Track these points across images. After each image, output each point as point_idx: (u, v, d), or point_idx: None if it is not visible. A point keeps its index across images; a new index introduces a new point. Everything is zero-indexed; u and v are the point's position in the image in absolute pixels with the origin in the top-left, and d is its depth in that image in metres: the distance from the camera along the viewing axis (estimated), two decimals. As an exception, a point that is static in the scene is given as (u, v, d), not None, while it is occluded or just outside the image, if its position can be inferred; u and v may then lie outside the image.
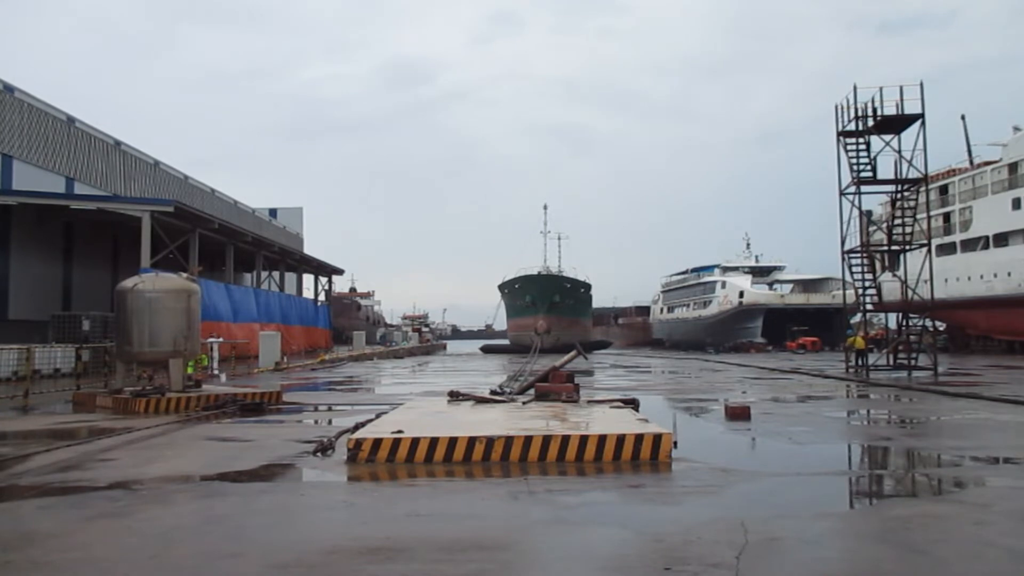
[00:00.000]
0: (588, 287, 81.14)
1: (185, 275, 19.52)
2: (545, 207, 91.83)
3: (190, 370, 18.27)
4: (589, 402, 13.80)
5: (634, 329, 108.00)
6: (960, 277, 48.93)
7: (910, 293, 27.13)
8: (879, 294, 28.44)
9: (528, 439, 9.28)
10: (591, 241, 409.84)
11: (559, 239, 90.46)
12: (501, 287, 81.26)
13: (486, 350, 72.85)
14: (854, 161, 26.95)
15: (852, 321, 37.62)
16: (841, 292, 33.25)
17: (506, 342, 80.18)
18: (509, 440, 9.26)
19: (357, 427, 10.70)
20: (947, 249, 49.88)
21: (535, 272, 77.45)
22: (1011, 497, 7.55)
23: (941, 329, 48.68)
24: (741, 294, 76.75)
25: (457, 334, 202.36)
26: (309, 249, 70.40)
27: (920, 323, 28.43)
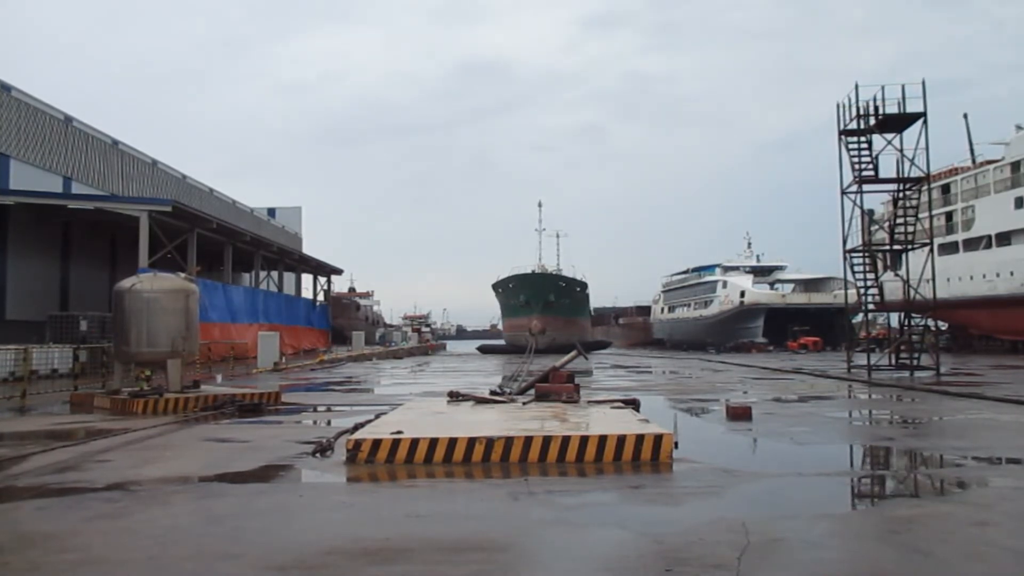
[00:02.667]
0: (584, 286, 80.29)
1: (183, 275, 19.50)
2: (540, 204, 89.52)
3: None
4: (589, 402, 13.75)
5: (635, 329, 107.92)
6: (962, 276, 48.87)
7: (912, 293, 27.08)
8: (881, 294, 28.38)
9: (528, 440, 9.23)
10: (593, 241, 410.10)
11: (557, 237, 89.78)
12: (495, 286, 79.90)
13: (483, 350, 72.62)
14: (856, 160, 26.92)
15: (854, 321, 37.59)
16: (843, 292, 33.16)
17: (503, 342, 79.87)
18: (509, 441, 9.21)
19: (356, 428, 10.66)
20: (949, 248, 49.79)
21: (529, 271, 76.71)
22: (1014, 498, 7.51)
23: (943, 329, 48.67)
24: (742, 294, 76.65)
25: (462, 334, 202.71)
26: (308, 249, 70.44)
27: (922, 323, 28.39)
